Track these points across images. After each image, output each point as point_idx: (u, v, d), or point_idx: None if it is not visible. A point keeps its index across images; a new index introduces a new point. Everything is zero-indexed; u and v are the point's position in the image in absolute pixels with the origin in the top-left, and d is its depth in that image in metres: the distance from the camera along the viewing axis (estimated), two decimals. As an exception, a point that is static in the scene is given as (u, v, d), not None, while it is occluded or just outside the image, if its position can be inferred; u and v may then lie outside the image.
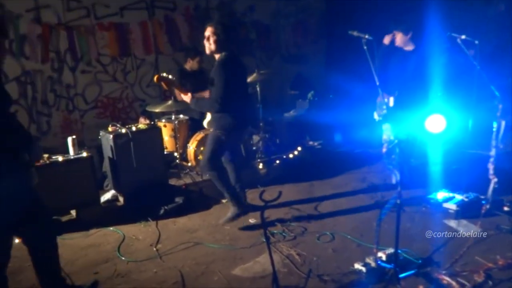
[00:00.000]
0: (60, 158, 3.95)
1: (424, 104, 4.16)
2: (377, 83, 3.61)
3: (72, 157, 4.01)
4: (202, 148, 4.95)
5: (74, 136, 4.10)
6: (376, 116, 4.46)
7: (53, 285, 2.73)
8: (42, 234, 2.64)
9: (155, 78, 3.77)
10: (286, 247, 3.39)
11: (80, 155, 4.08)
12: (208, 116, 4.04)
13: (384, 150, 4.57)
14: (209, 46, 3.63)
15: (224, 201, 4.46)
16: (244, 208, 3.87)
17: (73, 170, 3.98)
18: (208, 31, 3.61)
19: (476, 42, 3.63)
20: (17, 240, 2.71)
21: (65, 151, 4.08)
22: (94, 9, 5.75)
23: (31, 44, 5.34)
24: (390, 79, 4.37)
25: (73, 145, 4.03)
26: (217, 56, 3.68)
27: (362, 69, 4.35)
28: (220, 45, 3.61)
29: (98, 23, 5.79)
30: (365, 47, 3.31)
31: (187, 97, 3.80)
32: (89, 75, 5.84)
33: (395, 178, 4.53)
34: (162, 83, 3.81)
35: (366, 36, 3.34)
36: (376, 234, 3.05)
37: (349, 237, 3.51)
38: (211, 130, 3.86)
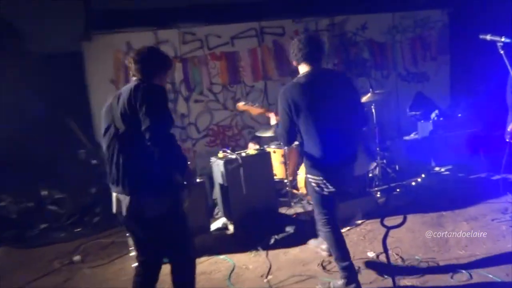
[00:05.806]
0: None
1: None
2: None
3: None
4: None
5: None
6: None
7: None
8: (183, 257, 2.63)
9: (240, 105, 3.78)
10: (413, 285, 2.96)
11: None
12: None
13: None
14: None
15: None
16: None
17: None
18: None
19: None
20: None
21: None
22: (207, 40, 6.02)
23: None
24: None
25: (188, 172, 4.10)
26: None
27: (496, 82, 3.76)
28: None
29: (210, 53, 6.03)
30: (501, 52, 2.85)
31: (272, 118, 3.28)
32: (201, 104, 6.05)
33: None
34: (247, 108, 3.74)
35: (502, 39, 2.86)
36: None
37: (491, 276, 2.97)
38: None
